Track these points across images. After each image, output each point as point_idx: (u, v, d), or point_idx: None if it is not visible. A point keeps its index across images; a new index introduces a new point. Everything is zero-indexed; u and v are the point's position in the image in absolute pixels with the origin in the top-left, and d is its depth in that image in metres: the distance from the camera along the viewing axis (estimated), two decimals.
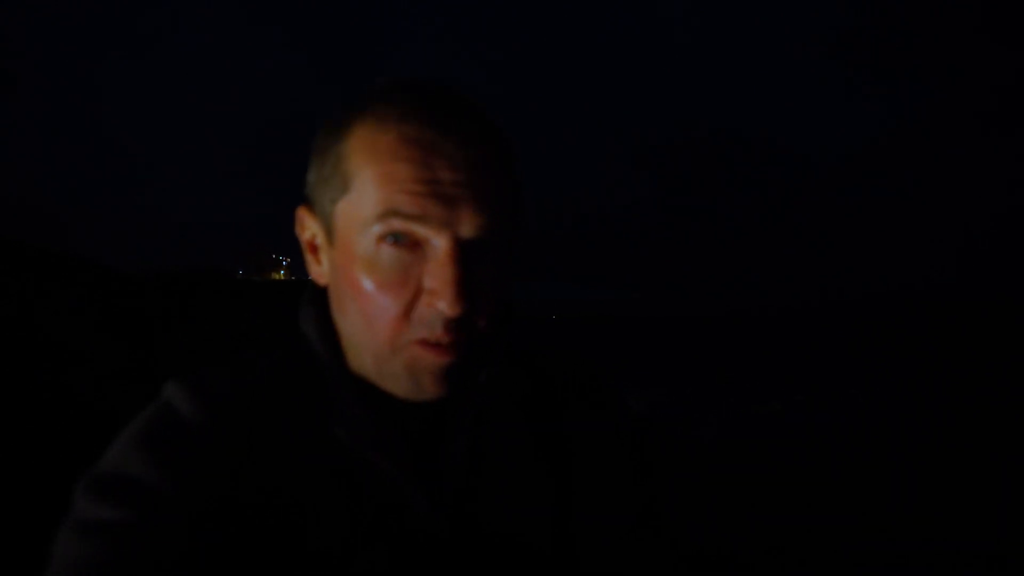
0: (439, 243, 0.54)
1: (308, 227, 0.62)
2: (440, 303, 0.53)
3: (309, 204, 0.61)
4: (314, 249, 0.63)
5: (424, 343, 0.55)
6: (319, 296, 0.65)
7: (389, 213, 0.53)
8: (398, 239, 0.54)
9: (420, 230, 0.54)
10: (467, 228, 0.54)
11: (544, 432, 0.68)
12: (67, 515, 0.52)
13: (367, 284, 0.55)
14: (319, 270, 0.63)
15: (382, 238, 0.54)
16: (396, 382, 0.58)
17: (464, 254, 0.54)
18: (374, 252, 0.55)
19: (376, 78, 0.61)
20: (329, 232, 0.59)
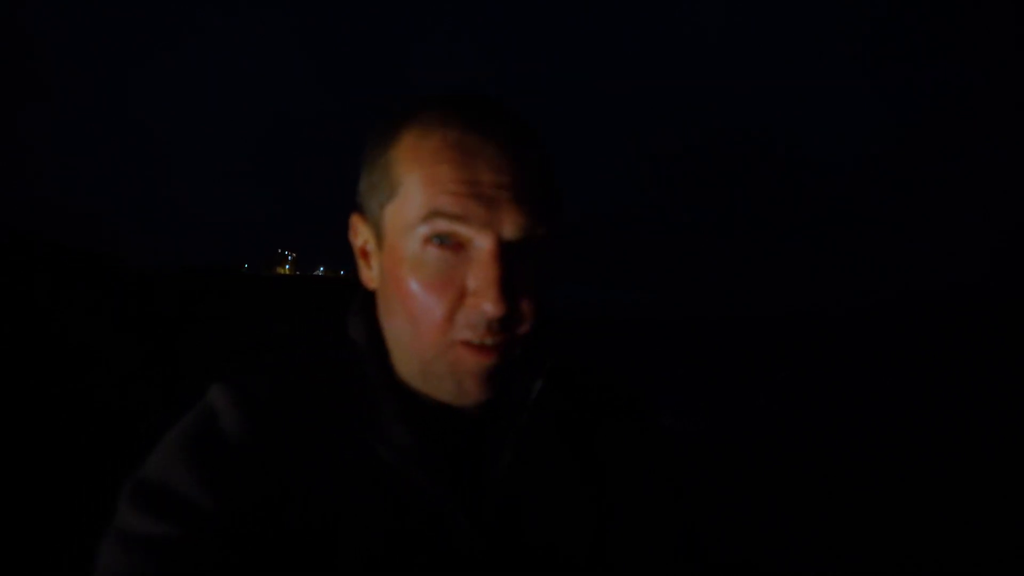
0: (482, 244, 0.55)
1: (360, 233, 0.63)
2: (484, 303, 0.54)
3: (361, 211, 0.63)
4: (365, 255, 0.64)
5: (468, 345, 0.56)
6: (368, 303, 0.66)
7: (433, 214, 0.54)
8: (443, 241, 0.55)
9: (463, 230, 0.54)
10: (509, 229, 0.55)
11: (583, 451, 0.69)
12: (112, 520, 0.53)
13: (413, 285, 0.56)
14: (369, 274, 0.64)
15: (428, 240, 0.55)
16: (440, 384, 0.58)
17: (506, 254, 0.55)
18: (420, 253, 0.56)
19: (423, 93, 0.64)
20: (379, 237, 0.60)
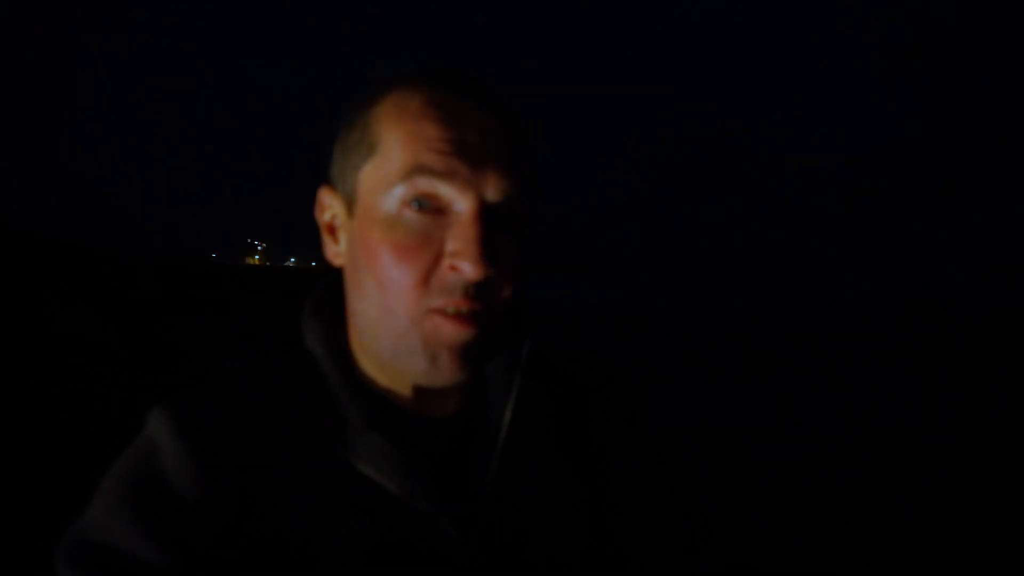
0: (463, 206, 0.53)
1: (328, 207, 0.61)
2: (463, 264, 0.52)
3: (331, 183, 0.61)
4: (332, 230, 0.61)
5: (443, 313, 0.53)
6: (323, 306, 0.62)
7: (415, 170, 0.52)
8: (422, 204, 0.53)
9: (445, 190, 0.53)
10: (492, 191, 0.53)
11: (574, 445, 0.66)
12: None
13: (386, 247, 0.53)
14: (336, 250, 0.61)
15: (406, 203, 0.53)
16: (412, 362, 0.55)
17: (488, 217, 0.53)
18: (396, 215, 0.54)
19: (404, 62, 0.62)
20: (351, 203, 0.58)
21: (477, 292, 0.53)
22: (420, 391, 0.58)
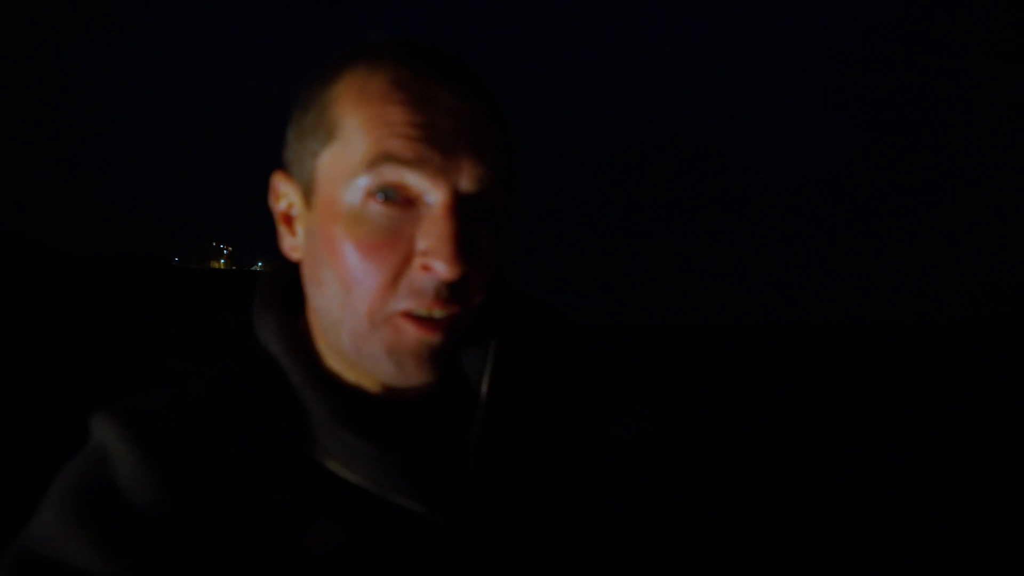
0: (435, 198, 0.48)
1: (283, 195, 0.55)
2: (436, 263, 0.46)
3: (286, 168, 0.54)
4: (288, 220, 0.55)
5: (410, 317, 0.48)
6: (274, 299, 0.57)
7: (381, 158, 0.47)
8: (389, 196, 0.48)
9: (415, 180, 0.47)
10: (467, 181, 0.48)
11: (555, 410, 0.64)
12: None
13: (349, 244, 0.48)
14: (293, 242, 0.55)
15: (371, 194, 0.48)
16: (375, 365, 0.50)
17: (463, 210, 0.48)
18: (360, 209, 0.48)
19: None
20: (308, 193, 0.52)
21: (451, 293, 0.48)
22: (390, 387, 0.55)
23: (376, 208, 0.48)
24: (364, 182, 0.48)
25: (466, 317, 0.51)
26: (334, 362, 0.55)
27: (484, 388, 0.56)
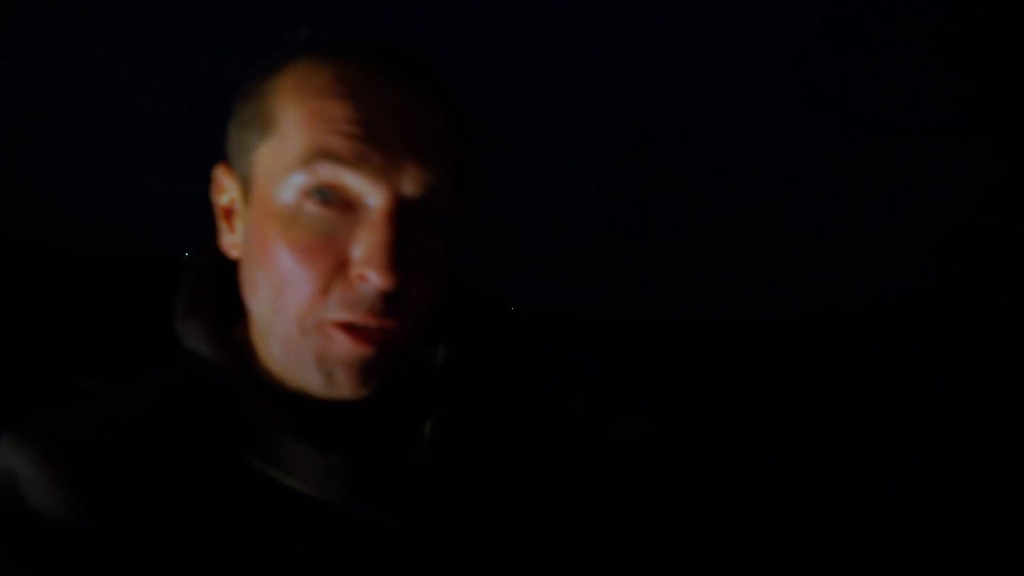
0: (374, 201, 0.46)
1: (225, 189, 0.53)
2: (371, 272, 0.44)
3: (228, 161, 0.52)
4: (229, 215, 0.53)
5: (341, 326, 0.46)
6: (200, 301, 0.54)
7: (317, 155, 0.45)
8: (326, 197, 0.46)
9: (353, 181, 0.45)
10: (411, 184, 0.46)
11: (508, 410, 0.64)
12: None
13: (282, 246, 0.46)
14: (232, 239, 0.53)
15: (307, 194, 0.46)
16: (304, 374, 0.48)
17: (404, 216, 0.46)
18: (294, 209, 0.46)
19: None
20: (247, 187, 0.50)
21: (386, 306, 0.46)
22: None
23: (312, 209, 0.46)
24: (299, 180, 0.46)
25: (405, 330, 0.48)
26: (275, 367, 0.51)
27: (437, 394, 0.55)
